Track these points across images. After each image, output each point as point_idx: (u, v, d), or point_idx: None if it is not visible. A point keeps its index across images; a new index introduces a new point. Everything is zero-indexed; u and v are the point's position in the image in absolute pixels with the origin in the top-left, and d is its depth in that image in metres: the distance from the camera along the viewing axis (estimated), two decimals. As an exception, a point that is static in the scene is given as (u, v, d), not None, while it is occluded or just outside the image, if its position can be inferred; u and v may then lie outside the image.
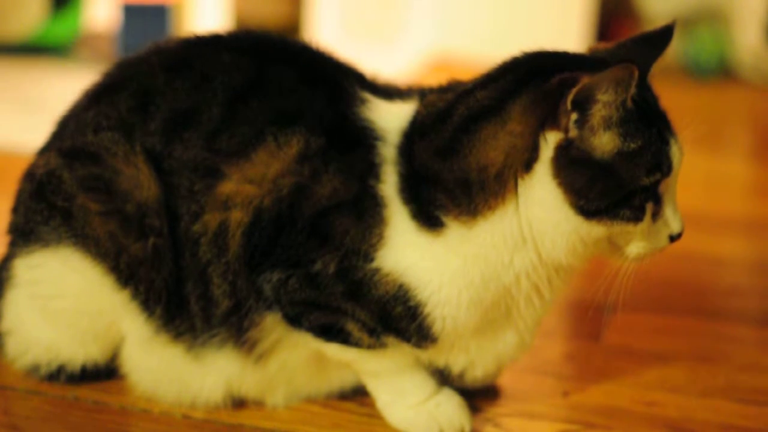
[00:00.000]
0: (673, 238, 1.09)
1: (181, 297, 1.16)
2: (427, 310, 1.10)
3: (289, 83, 1.16)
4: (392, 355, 1.17)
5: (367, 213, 1.10)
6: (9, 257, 1.25)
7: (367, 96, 1.17)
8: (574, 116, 1.03)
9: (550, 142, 1.05)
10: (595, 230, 1.06)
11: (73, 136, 1.20)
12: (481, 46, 3.24)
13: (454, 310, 1.10)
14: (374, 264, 1.10)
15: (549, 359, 1.41)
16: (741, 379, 1.37)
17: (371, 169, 1.11)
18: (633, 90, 1.03)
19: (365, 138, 1.13)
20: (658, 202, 1.07)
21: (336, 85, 1.17)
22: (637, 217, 1.06)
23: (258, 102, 1.15)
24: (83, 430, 1.19)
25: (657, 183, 1.06)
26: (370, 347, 1.15)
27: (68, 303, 1.21)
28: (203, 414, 1.21)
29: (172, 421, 1.21)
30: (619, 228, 1.06)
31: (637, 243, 1.09)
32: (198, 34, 1.24)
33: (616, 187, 1.04)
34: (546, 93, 1.04)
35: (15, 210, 1.24)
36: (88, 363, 1.25)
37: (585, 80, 1.01)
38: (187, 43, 1.23)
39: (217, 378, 1.19)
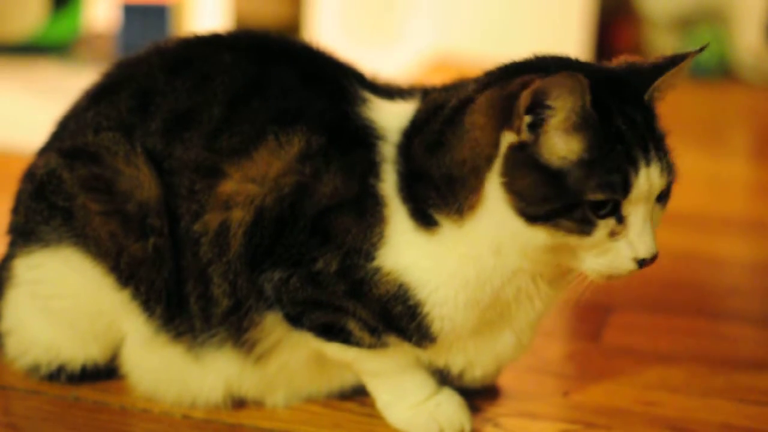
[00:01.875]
0: (642, 263, 1.03)
1: (181, 297, 1.16)
2: (426, 309, 1.10)
3: (290, 83, 1.16)
4: (392, 355, 1.17)
5: (368, 212, 1.10)
6: (9, 257, 1.25)
7: (368, 95, 1.17)
8: (527, 119, 1.01)
9: (505, 141, 1.03)
10: (539, 237, 1.03)
11: (73, 136, 1.20)
12: (481, 46, 3.24)
13: (452, 311, 1.10)
14: (375, 263, 1.10)
15: (549, 359, 1.41)
16: (741, 379, 1.37)
17: (372, 168, 1.11)
18: (584, 100, 0.99)
19: (366, 137, 1.13)
20: (621, 221, 1.02)
21: (337, 85, 1.17)
22: (582, 231, 1.01)
23: (259, 101, 1.15)
24: (83, 430, 1.19)
25: (611, 202, 1.01)
26: (370, 347, 1.15)
27: (68, 303, 1.21)
28: (203, 414, 1.21)
29: (172, 421, 1.21)
30: (563, 238, 1.03)
31: (593, 259, 1.04)
32: (198, 34, 1.24)
33: (556, 195, 1.01)
34: (508, 93, 1.03)
35: (15, 210, 1.24)
36: (88, 363, 1.25)
37: (536, 84, 1.00)
38: (187, 43, 1.23)
39: (217, 378, 1.19)
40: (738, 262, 1.89)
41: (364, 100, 1.16)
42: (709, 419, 1.26)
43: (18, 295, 1.25)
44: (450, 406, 1.20)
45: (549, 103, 1.00)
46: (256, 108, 1.14)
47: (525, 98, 1.00)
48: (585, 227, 1.01)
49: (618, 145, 1.01)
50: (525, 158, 1.02)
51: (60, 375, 1.26)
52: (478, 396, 1.27)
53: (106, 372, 1.26)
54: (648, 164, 1.02)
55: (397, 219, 1.10)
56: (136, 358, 1.22)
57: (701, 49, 1.07)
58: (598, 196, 1.00)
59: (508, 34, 3.29)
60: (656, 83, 1.05)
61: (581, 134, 1.01)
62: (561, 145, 1.01)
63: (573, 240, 1.02)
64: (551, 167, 1.01)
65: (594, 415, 1.26)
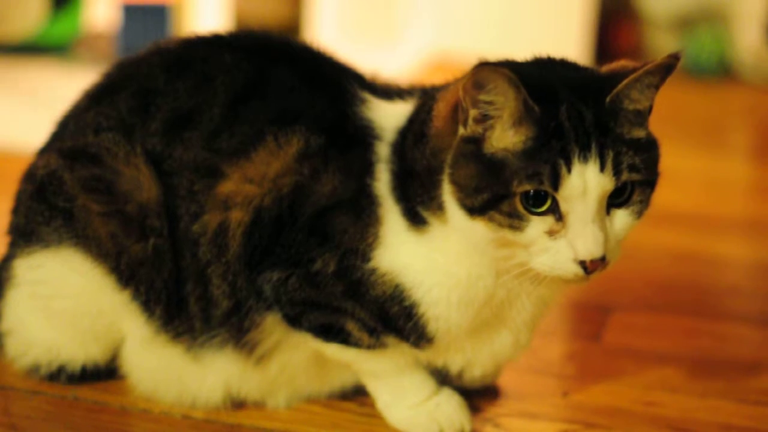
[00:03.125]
0: (586, 268, 1.01)
1: (181, 298, 1.16)
2: (421, 310, 1.10)
3: (290, 83, 1.16)
4: (392, 355, 1.17)
5: (364, 212, 1.10)
6: (9, 257, 1.25)
7: (367, 96, 1.17)
8: (474, 113, 1.02)
9: (459, 132, 1.04)
10: (480, 231, 1.02)
11: (73, 136, 1.20)
12: (481, 46, 3.24)
13: (446, 311, 1.10)
14: (371, 264, 1.10)
15: (549, 359, 1.41)
16: (741, 379, 1.37)
17: (368, 168, 1.11)
18: (521, 92, 0.99)
19: (364, 137, 1.13)
20: (560, 219, 1.01)
21: (336, 85, 1.17)
22: (512, 226, 1.01)
23: (258, 102, 1.15)
24: (83, 430, 1.19)
25: (548, 199, 1.00)
26: (369, 347, 1.15)
27: (69, 303, 1.21)
28: (203, 414, 1.21)
29: (172, 421, 1.21)
30: (499, 233, 1.02)
31: (535, 257, 1.02)
32: (199, 34, 1.25)
33: (488, 186, 1.01)
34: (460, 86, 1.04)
35: (15, 210, 1.24)
36: (88, 363, 1.25)
37: (471, 77, 1.00)
38: (188, 43, 1.23)
39: (216, 379, 1.19)
40: (738, 262, 1.89)
41: (362, 101, 1.16)
42: (709, 419, 1.27)
43: (18, 295, 1.25)
44: (450, 406, 1.20)
45: (488, 97, 1.00)
46: (255, 108, 1.14)
47: (464, 92, 1.01)
48: (515, 221, 1.01)
49: (554, 140, 1.00)
50: (470, 150, 1.02)
51: (60, 375, 1.26)
52: (478, 396, 1.27)
53: (106, 372, 1.26)
54: (585, 161, 1.00)
55: (391, 219, 1.10)
56: (136, 359, 1.22)
57: (672, 57, 1.03)
58: (525, 187, 1.00)
59: (508, 34, 3.29)
60: (618, 88, 1.02)
61: (524, 127, 1.01)
62: (507, 137, 1.01)
63: (509, 235, 1.01)
64: (493, 159, 1.01)
65: (594, 415, 1.26)
